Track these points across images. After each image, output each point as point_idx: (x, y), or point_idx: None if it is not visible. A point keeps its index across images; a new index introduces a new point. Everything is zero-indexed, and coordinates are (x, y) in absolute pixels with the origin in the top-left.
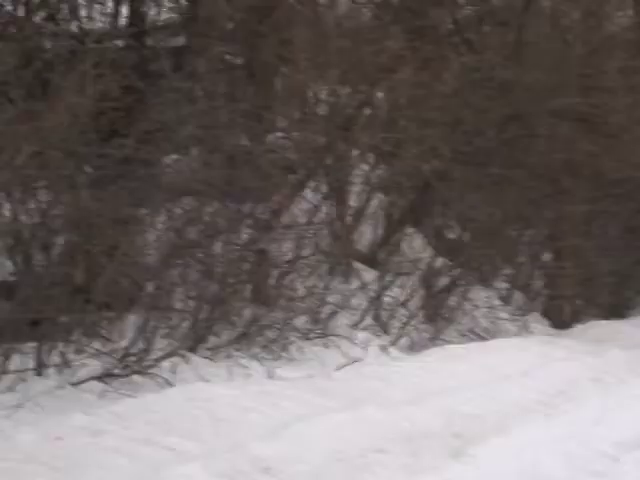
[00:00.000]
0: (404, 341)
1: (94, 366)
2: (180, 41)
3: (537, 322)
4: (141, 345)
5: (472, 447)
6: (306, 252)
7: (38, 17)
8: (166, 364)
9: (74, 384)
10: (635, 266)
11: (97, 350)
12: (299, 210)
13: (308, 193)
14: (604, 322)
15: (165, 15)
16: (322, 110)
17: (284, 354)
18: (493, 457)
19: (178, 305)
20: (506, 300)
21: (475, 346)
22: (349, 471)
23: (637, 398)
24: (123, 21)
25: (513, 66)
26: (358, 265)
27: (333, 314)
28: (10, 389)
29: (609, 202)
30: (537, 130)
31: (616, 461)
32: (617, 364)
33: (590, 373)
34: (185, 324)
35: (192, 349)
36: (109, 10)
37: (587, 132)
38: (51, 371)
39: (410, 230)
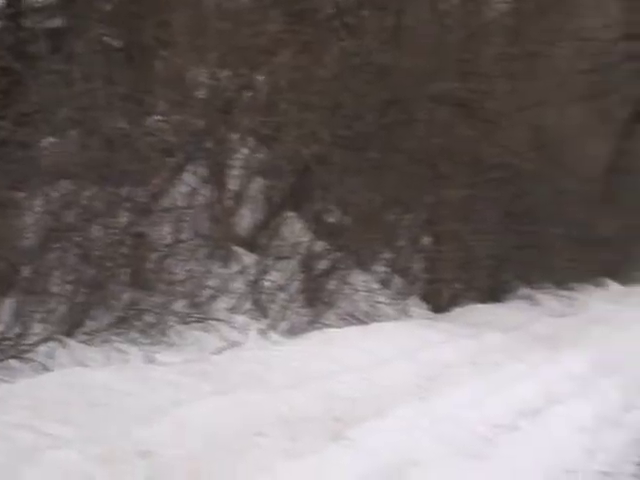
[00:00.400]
0: (284, 325)
1: None
2: (58, 22)
3: (416, 306)
4: (17, 329)
5: (351, 430)
6: (185, 236)
7: None
8: (43, 348)
9: None
10: (513, 250)
11: None
12: (178, 193)
13: (187, 176)
14: (482, 306)
15: None
16: (202, 93)
17: (163, 338)
18: (371, 440)
19: (55, 289)
20: (385, 284)
21: (354, 330)
22: (228, 455)
23: (513, 381)
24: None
25: (392, 50)
26: (237, 249)
27: (212, 298)
28: None
29: (487, 187)
30: (416, 115)
31: (492, 443)
32: (494, 347)
33: (467, 356)
34: (62, 308)
35: (69, 333)
36: None
37: (466, 117)
38: None
39: (290, 214)
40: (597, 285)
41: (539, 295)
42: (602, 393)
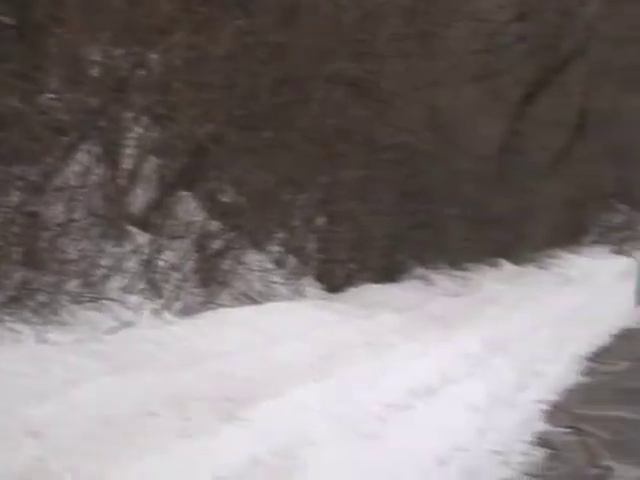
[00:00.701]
0: (177, 305)
1: None
2: None
3: (311, 286)
4: None
5: (244, 410)
6: (78, 215)
7: None
8: None
9: None
10: (408, 230)
11: None
12: (71, 172)
13: (80, 155)
14: (377, 286)
15: None
16: (95, 72)
17: (55, 318)
18: (265, 420)
19: None
20: (280, 264)
21: (249, 310)
22: (119, 435)
23: (407, 361)
24: None
25: (287, 30)
26: (131, 228)
27: (105, 277)
28: None
29: (382, 167)
30: (311, 94)
31: (386, 422)
32: (388, 327)
33: (362, 336)
34: None
35: None
36: None
37: (360, 97)
38: None
39: (184, 193)
40: (491, 265)
41: (433, 275)
42: (495, 373)
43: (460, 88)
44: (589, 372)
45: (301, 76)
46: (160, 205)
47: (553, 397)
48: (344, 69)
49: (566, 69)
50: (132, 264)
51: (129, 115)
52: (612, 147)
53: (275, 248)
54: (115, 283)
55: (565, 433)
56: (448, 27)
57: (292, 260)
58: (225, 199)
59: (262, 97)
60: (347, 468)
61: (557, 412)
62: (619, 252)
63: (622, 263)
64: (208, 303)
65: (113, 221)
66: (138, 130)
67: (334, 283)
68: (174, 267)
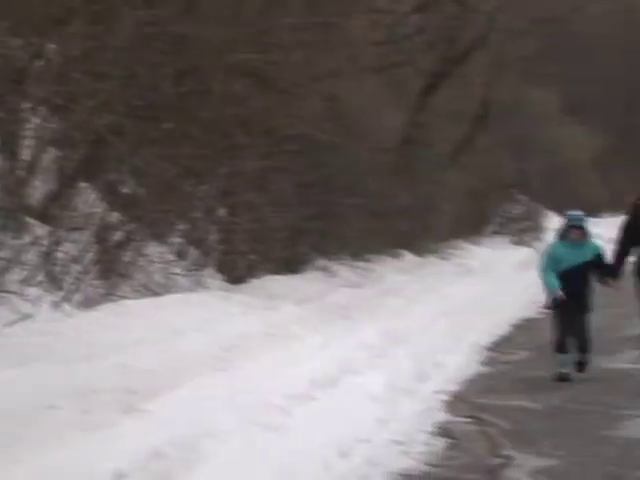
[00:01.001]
0: (77, 297)
1: None
2: None
3: (212, 277)
4: None
5: (145, 402)
6: None
7: None
8: None
9: None
10: (309, 222)
11: None
12: None
13: None
14: (278, 277)
15: None
16: None
17: None
18: (166, 411)
19: None
20: (181, 255)
21: (150, 302)
22: (17, 428)
23: (308, 352)
24: None
25: (188, 20)
26: (30, 220)
27: (4, 270)
28: None
29: (283, 158)
30: (212, 85)
31: (288, 413)
32: (290, 319)
33: (264, 328)
34: None
35: None
36: None
37: (261, 88)
38: None
39: (83, 185)
40: (392, 256)
41: (335, 266)
42: (396, 364)
43: (360, 79)
44: (489, 362)
45: (202, 67)
46: (59, 197)
47: (453, 387)
48: (245, 60)
49: (466, 60)
50: (31, 256)
51: (27, 106)
52: (512, 138)
53: (176, 239)
54: (14, 275)
55: (465, 423)
56: (348, 18)
57: (193, 251)
58: (125, 190)
59: (162, 88)
60: (249, 459)
61: (457, 402)
62: (519, 243)
63: (522, 253)
64: (108, 295)
65: (12, 213)
66: (36, 121)
67: (235, 274)
68: (74, 259)
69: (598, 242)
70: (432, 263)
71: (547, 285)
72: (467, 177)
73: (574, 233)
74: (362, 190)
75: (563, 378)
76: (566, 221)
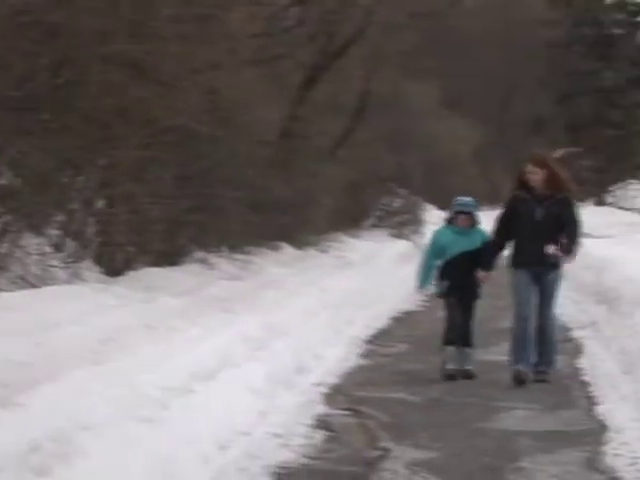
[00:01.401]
0: None
1: None
2: None
3: (90, 270)
4: None
5: (21, 395)
6: None
7: None
8: None
9: None
10: (188, 214)
11: None
12: None
13: None
14: (157, 269)
15: None
16: None
17: None
18: (43, 405)
19: None
20: (58, 247)
21: (26, 294)
22: None
23: (186, 344)
24: None
25: (64, 10)
26: None
27: None
28: None
29: (162, 149)
30: (89, 76)
31: (165, 407)
32: (169, 311)
33: (142, 320)
34: None
35: None
36: None
37: (139, 79)
38: None
39: None
40: (272, 249)
41: (214, 259)
42: (275, 356)
43: (239, 72)
44: (368, 355)
45: (79, 57)
46: None
47: (333, 380)
48: (123, 50)
49: (346, 54)
50: None
51: None
52: (392, 132)
53: (53, 231)
54: None
55: (344, 415)
56: (227, 10)
57: (71, 243)
58: (1, 181)
59: (39, 78)
60: (127, 453)
61: (337, 394)
62: (398, 236)
63: (401, 247)
64: None
65: None
66: None
67: (114, 267)
68: None
69: (486, 230)
70: (312, 256)
71: (418, 275)
72: (346, 170)
73: (461, 219)
74: (241, 183)
75: (450, 375)
76: (454, 206)
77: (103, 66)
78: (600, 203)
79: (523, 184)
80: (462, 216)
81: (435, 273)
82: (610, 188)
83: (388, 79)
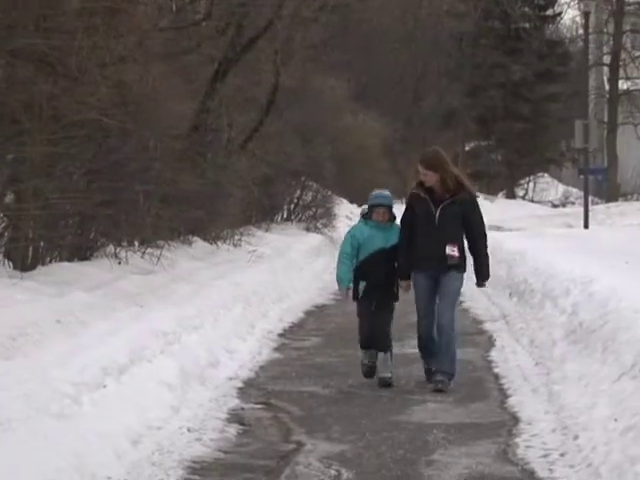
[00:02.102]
0: None
1: None
2: None
3: None
4: None
5: None
6: None
7: None
8: None
9: None
10: (98, 208)
11: None
12: None
13: None
14: (67, 264)
15: None
16: None
17: None
18: None
19: None
20: None
21: None
22: None
23: (98, 339)
24: None
25: None
26: None
27: None
28: None
29: (71, 144)
30: None
31: (76, 402)
32: (80, 306)
33: (53, 315)
34: None
35: None
36: None
37: (47, 73)
38: None
39: None
40: (183, 243)
41: (125, 253)
42: (188, 351)
43: (148, 65)
44: (281, 348)
45: None
46: None
47: (246, 374)
48: (29, 44)
49: (255, 47)
50: None
51: None
52: (302, 125)
53: None
54: None
55: (258, 409)
56: (135, 3)
57: None
58: None
59: None
60: (38, 448)
61: (250, 389)
62: (310, 229)
63: (313, 240)
64: None
65: None
66: None
67: (23, 262)
68: None
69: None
70: (224, 250)
71: (339, 276)
72: (257, 164)
73: (378, 213)
74: (152, 177)
75: (368, 372)
76: (370, 200)
77: (9, 60)
78: (511, 196)
79: (422, 183)
80: (380, 209)
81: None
82: (520, 181)
83: (298, 73)
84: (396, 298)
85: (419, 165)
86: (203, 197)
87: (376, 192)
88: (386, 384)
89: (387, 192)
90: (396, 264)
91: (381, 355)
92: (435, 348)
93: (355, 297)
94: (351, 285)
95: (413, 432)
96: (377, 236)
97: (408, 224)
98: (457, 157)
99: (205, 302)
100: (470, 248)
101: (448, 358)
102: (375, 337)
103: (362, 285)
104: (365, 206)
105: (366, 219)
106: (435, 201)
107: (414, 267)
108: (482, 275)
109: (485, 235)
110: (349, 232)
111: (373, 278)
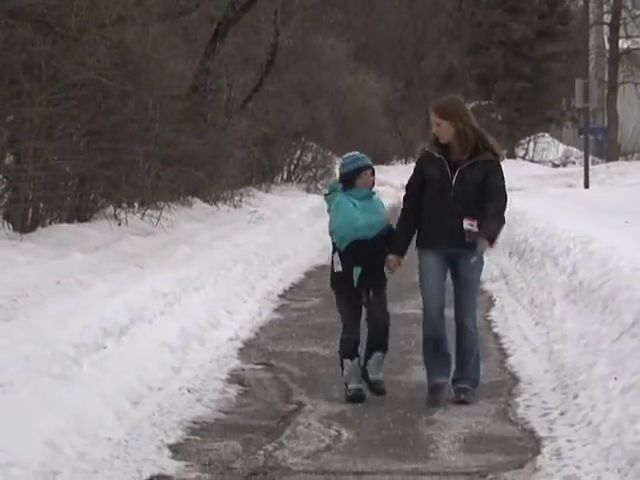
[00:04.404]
0: None
1: None
2: None
3: None
4: None
5: None
6: None
7: None
8: None
9: None
10: (98, 169)
11: None
12: None
13: None
14: (67, 225)
15: None
16: None
17: None
18: None
19: None
20: None
21: None
22: None
23: (98, 300)
24: None
25: None
26: None
27: None
28: None
29: (70, 104)
30: None
31: (77, 363)
32: (80, 267)
33: (53, 276)
34: None
35: None
36: None
37: (45, 34)
38: None
39: None
40: (183, 204)
41: (125, 214)
42: (189, 311)
43: (147, 25)
44: (282, 309)
45: None
46: None
47: (247, 334)
48: (28, 4)
49: (254, 6)
50: None
51: None
52: (302, 85)
53: None
54: None
55: (258, 370)
56: None
57: None
58: None
59: None
60: (39, 409)
61: (251, 349)
62: (310, 190)
63: (313, 201)
64: None
65: None
66: None
67: (23, 223)
68: None
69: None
70: (224, 211)
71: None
72: (257, 124)
73: (365, 177)
74: (152, 137)
75: (355, 398)
76: (346, 165)
77: (8, 21)
78: (511, 156)
79: (437, 140)
80: (368, 171)
81: (336, 259)
82: (521, 141)
83: (297, 32)
84: (386, 281)
85: (432, 113)
86: (203, 158)
87: (352, 154)
88: (379, 390)
89: (359, 153)
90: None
91: (377, 355)
92: (445, 349)
93: (342, 288)
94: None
95: (413, 392)
96: (365, 209)
97: (415, 188)
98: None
99: (205, 263)
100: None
101: (472, 362)
102: (375, 334)
103: (357, 271)
104: (333, 179)
105: (348, 190)
106: (452, 163)
107: (421, 244)
108: (487, 230)
109: (505, 195)
110: (337, 208)
111: (368, 261)
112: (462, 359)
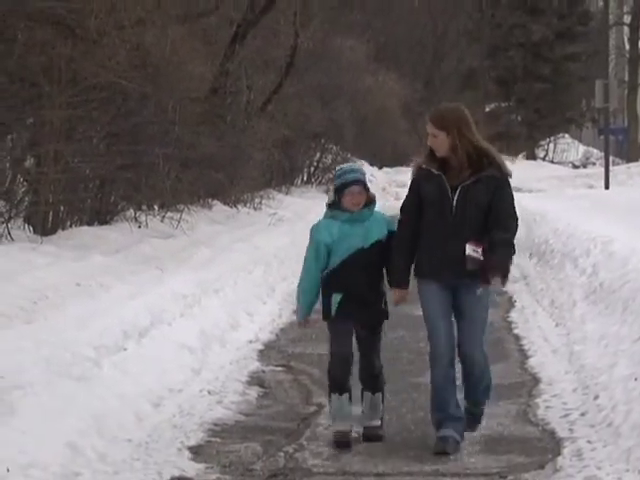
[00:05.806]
0: None
1: None
2: None
3: (20, 229)
4: None
5: None
6: None
7: None
8: None
9: None
10: (118, 171)
11: None
12: None
13: None
14: (88, 228)
15: None
16: None
17: None
18: None
19: None
20: None
21: None
22: None
23: (118, 302)
24: None
25: None
26: None
27: None
28: None
29: (90, 107)
30: (14, 34)
31: (97, 365)
32: (100, 269)
33: (73, 279)
34: None
35: None
36: None
37: (66, 36)
38: None
39: None
40: (203, 206)
41: (145, 216)
42: (209, 313)
43: (166, 28)
44: None
45: (3, 15)
46: None
47: (267, 336)
48: (48, 7)
49: (273, 8)
50: None
51: None
52: (321, 87)
53: None
54: None
55: (279, 372)
56: None
57: (0, 204)
58: None
59: None
60: (60, 411)
61: (271, 351)
62: (329, 192)
63: None
64: None
65: None
66: None
67: (44, 226)
68: None
69: (385, 214)
70: (244, 213)
71: (298, 300)
72: (277, 126)
73: (352, 194)
74: (172, 140)
75: (341, 441)
76: (336, 177)
77: (28, 23)
78: (531, 157)
79: (434, 153)
80: (355, 188)
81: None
82: (541, 142)
83: (317, 34)
84: (385, 315)
85: (428, 123)
86: (223, 160)
87: (343, 166)
88: (375, 437)
89: (357, 165)
90: (384, 269)
91: (369, 397)
92: (454, 399)
93: (326, 316)
94: (313, 316)
95: None
96: (352, 233)
97: (412, 211)
98: (477, 122)
99: (225, 265)
100: (488, 230)
101: (481, 388)
102: (364, 374)
103: (336, 298)
104: (330, 191)
105: (333, 210)
106: (452, 180)
107: (420, 273)
108: (497, 264)
109: (515, 219)
110: (312, 233)
111: (352, 289)
112: (472, 387)
